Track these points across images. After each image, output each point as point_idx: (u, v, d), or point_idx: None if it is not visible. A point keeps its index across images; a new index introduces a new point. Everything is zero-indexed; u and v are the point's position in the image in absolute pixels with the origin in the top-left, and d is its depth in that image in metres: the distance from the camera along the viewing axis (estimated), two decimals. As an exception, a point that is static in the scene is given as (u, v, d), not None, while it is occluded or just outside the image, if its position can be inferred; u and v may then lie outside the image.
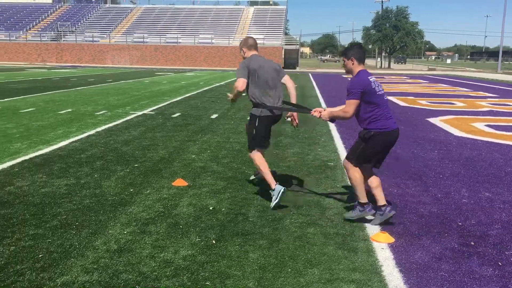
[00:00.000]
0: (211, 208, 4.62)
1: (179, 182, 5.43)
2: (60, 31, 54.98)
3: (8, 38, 53.62)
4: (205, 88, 20.57)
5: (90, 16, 60.29)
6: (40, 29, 56.07)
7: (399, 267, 3.44)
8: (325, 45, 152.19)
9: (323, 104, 14.84)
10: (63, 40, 54.16)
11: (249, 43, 4.94)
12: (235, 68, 43.40)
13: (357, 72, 4.22)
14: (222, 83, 24.63)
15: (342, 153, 7.39)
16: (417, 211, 4.70)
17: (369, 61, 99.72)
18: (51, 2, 62.97)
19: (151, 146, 7.53)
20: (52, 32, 54.94)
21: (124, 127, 9.41)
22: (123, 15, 60.61)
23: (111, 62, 51.73)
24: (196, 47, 52.53)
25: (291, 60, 53.87)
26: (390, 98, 17.41)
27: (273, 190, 4.62)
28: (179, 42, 53.25)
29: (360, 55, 4.23)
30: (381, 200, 4.25)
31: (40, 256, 3.42)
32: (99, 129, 9.04)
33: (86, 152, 6.96)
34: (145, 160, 6.58)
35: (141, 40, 53.35)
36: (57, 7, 62.13)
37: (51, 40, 53.97)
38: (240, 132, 9.13)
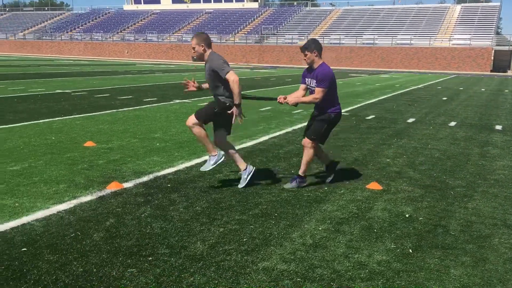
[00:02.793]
0: (407, 215, 4.43)
1: (373, 185, 5.34)
2: (263, 34, 59.19)
3: (219, 41, 59.87)
4: (401, 91, 19.84)
5: (291, 19, 63.43)
6: (246, 32, 61.22)
7: None
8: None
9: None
10: (265, 42, 58.14)
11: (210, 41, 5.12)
12: (435, 71, 40.27)
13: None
14: (419, 86, 23.44)
15: None
16: None
17: None
18: (257, 7, 68.15)
19: (344, 147, 7.57)
20: (256, 35, 59.46)
21: (319, 126, 9.64)
22: (322, 17, 62.23)
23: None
24: (393, 48, 51.02)
25: (501, 62, 48.39)
26: None
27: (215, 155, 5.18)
28: (375, 44, 52.40)
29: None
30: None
31: (244, 240, 3.73)
32: (295, 127, 9.45)
33: (284, 148, 7.34)
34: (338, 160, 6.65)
35: (337, 41, 54.03)
36: (263, 11, 66.98)
37: (254, 42, 58.45)
38: (440, 138, 8.56)
